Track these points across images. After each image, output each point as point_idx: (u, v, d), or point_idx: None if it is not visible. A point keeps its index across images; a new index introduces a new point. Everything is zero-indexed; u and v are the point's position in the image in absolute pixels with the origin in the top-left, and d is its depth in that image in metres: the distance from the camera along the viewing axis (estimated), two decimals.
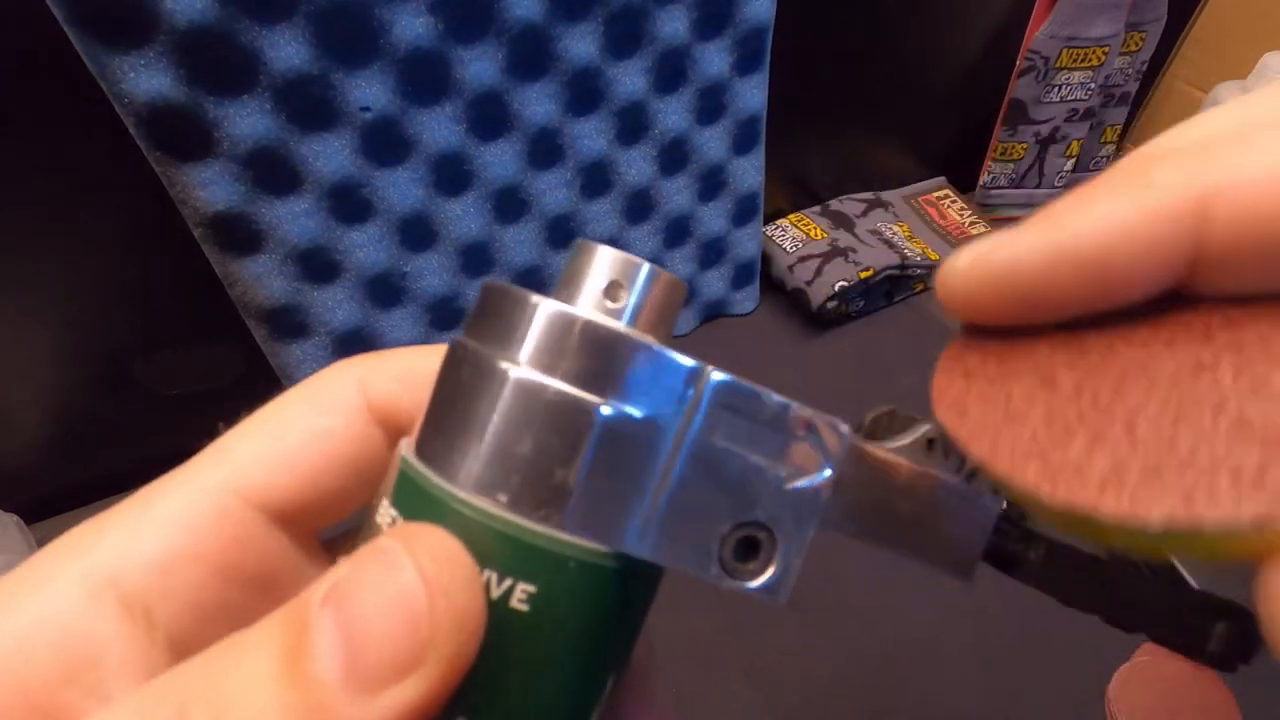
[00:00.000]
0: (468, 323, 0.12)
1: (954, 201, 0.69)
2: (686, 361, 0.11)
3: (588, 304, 0.12)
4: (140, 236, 0.40)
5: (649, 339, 0.11)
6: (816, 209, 0.67)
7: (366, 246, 0.43)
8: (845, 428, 0.13)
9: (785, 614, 0.43)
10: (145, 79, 0.33)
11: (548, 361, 0.11)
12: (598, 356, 0.11)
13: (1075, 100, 0.65)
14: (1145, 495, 0.10)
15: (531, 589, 0.11)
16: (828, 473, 0.12)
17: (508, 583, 0.11)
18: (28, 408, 0.44)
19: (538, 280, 0.51)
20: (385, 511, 0.12)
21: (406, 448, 0.12)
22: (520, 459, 0.11)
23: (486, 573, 0.11)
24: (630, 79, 0.46)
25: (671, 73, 0.47)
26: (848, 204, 0.67)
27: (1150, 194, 0.10)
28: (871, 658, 0.41)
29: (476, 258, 0.48)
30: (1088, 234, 0.11)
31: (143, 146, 0.35)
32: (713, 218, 0.57)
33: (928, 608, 0.43)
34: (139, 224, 0.40)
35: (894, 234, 0.64)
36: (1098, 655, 0.41)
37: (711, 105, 0.50)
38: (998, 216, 0.73)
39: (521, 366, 0.11)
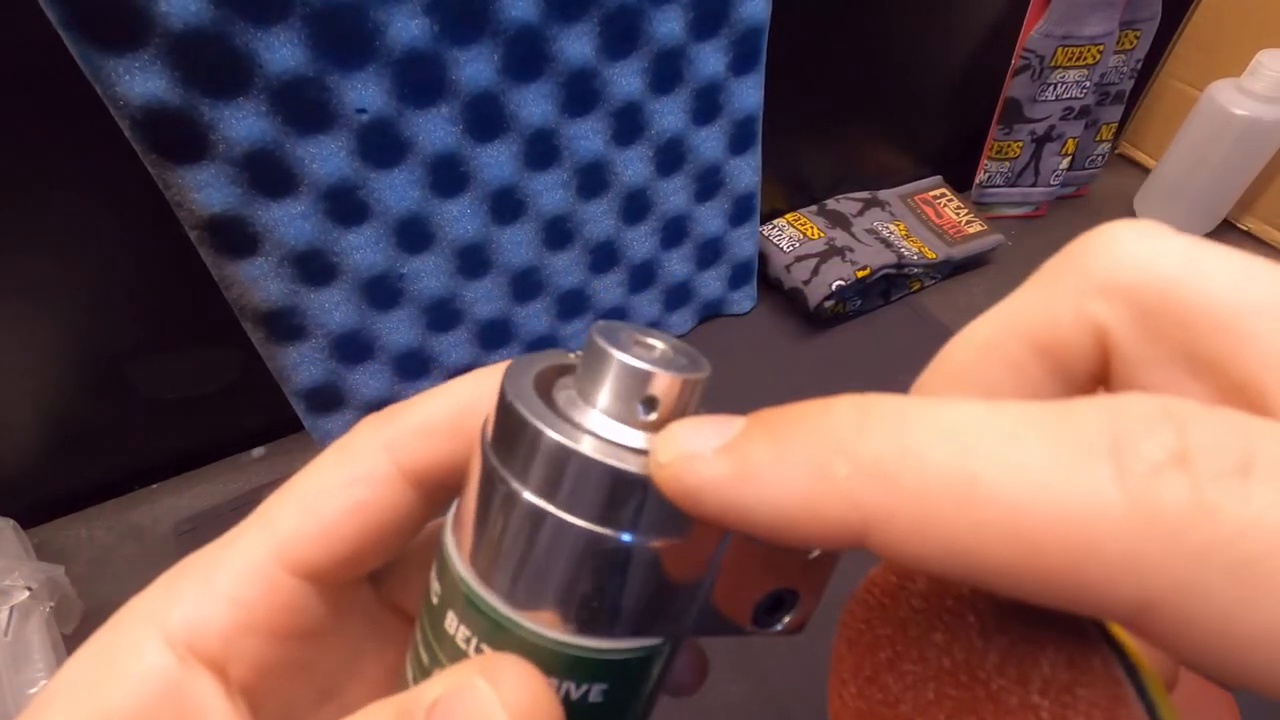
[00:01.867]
0: (497, 439, 0.12)
1: (950, 200, 0.70)
2: None
3: (624, 425, 0.12)
4: (136, 240, 0.40)
5: None
6: (813, 208, 0.67)
7: (363, 248, 0.43)
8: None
9: None
10: (140, 82, 0.33)
11: (599, 513, 0.11)
12: (648, 501, 0.11)
13: (1070, 99, 0.65)
14: None
15: (604, 686, 0.12)
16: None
17: (585, 688, 0.12)
18: (24, 412, 0.43)
19: (535, 281, 0.51)
20: (457, 627, 0.12)
21: (454, 552, 0.13)
22: (583, 595, 0.12)
23: (565, 684, 0.12)
24: (626, 79, 0.46)
25: (667, 73, 0.47)
26: (844, 203, 0.67)
27: (825, 488, 0.10)
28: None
29: (473, 259, 0.48)
30: (756, 503, 0.10)
31: (138, 149, 0.35)
32: (710, 218, 0.57)
33: None
34: (135, 227, 0.40)
35: (891, 233, 0.64)
36: None
37: (708, 105, 0.50)
38: (994, 215, 0.73)
39: (575, 519, 0.11)
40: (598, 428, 0.12)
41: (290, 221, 0.40)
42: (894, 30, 0.59)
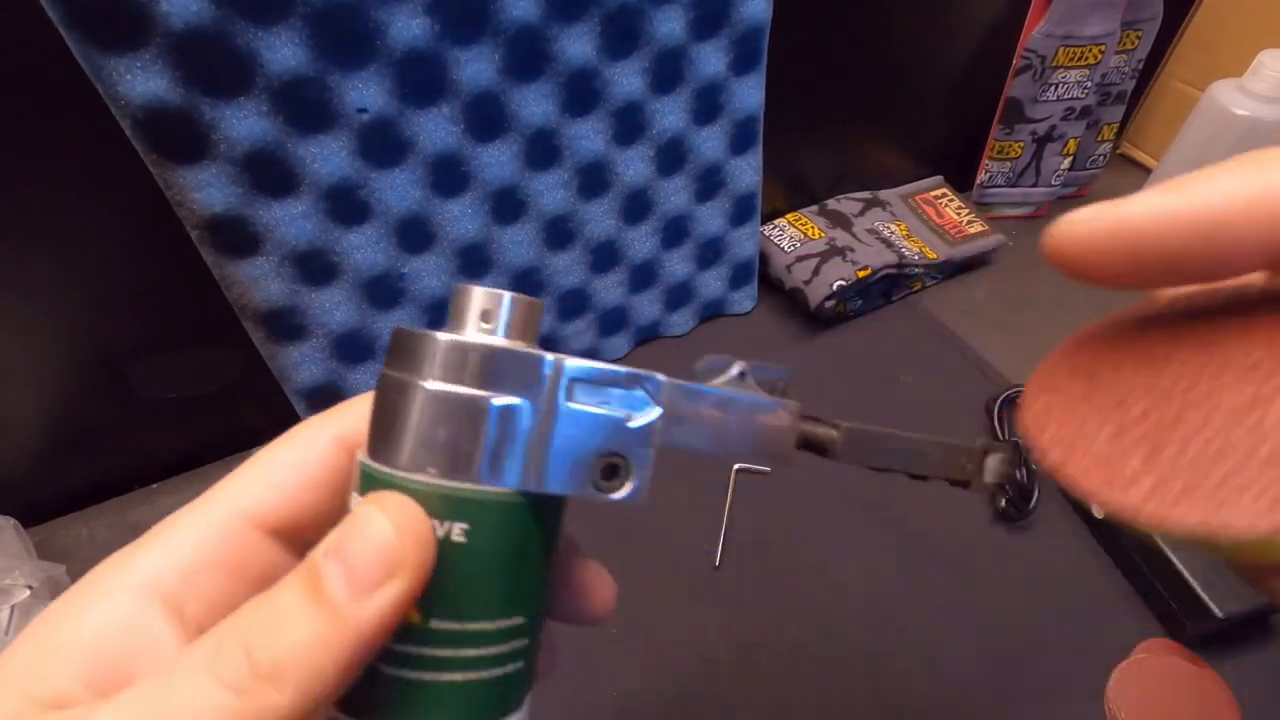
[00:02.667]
0: (387, 359, 0.16)
1: (951, 200, 0.70)
2: (547, 356, 0.16)
3: (470, 330, 0.17)
4: (137, 239, 0.40)
5: (518, 345, 0.16)
6: (814, 208, 0.67)
7: (364, 248, 0.43)
8: (661, 376, 0.17)
9: (785, 615, 0.43)
10: (141, 81, 0.33)
11: (449, 375, 0.15)
12: (482, 365, 0.15)
13: (1072, 99, 0.65)
14: (1181, 508, 0.12)
15: (465, 526, 0.15)
16: (658, 411, 0.17)
17: (448, 525, 0.15)
18: (25, 411, 0.43)
19: (536, 281, 0.51)
20: (354, 499, 0.16)
21: (361, 455, 0.16)
22: (441, 444, 0.15)
23: (432, 522, 0.15)
24: (627, 79, 0.46)
25: (668, 73, 0.47)
26: (845, 203, 0.67)
27: (1272, 174, 0.12)
28: (871, 658, 0.41)
29: (474, 259, 0.48)
30: (1205, 201, 0.12)
31: (139, 149, 0.35)
32: (710, 217, 0.57)
33: (928, 608, 0.43)
34: (136, 227, 0.40)
35: (891, 233, 0.64)
36: (1096, 653, 0.41)
37: (708, 105, 0.50)
38: (995, 215, 0.73)
39: (431, 382, 0.15)
40: (448, 333, 0.16)
41: (291, 221, 0.40)
42: (895, 30, 0.59)
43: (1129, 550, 0.44)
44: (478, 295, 0.17)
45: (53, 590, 0.40)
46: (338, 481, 0.18)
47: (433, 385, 0.15)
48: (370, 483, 0.16)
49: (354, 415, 0.18)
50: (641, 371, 0.17)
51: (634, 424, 0.17)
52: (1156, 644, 0.41)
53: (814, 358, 0.59)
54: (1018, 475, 0.47)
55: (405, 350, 0.16)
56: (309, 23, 0.35)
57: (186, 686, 0.13)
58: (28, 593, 0.39)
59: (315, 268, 0.43)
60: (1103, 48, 0.62)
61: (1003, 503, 0.47)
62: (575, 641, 0.41)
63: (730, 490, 0.49)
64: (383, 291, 0.46)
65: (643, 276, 0.56)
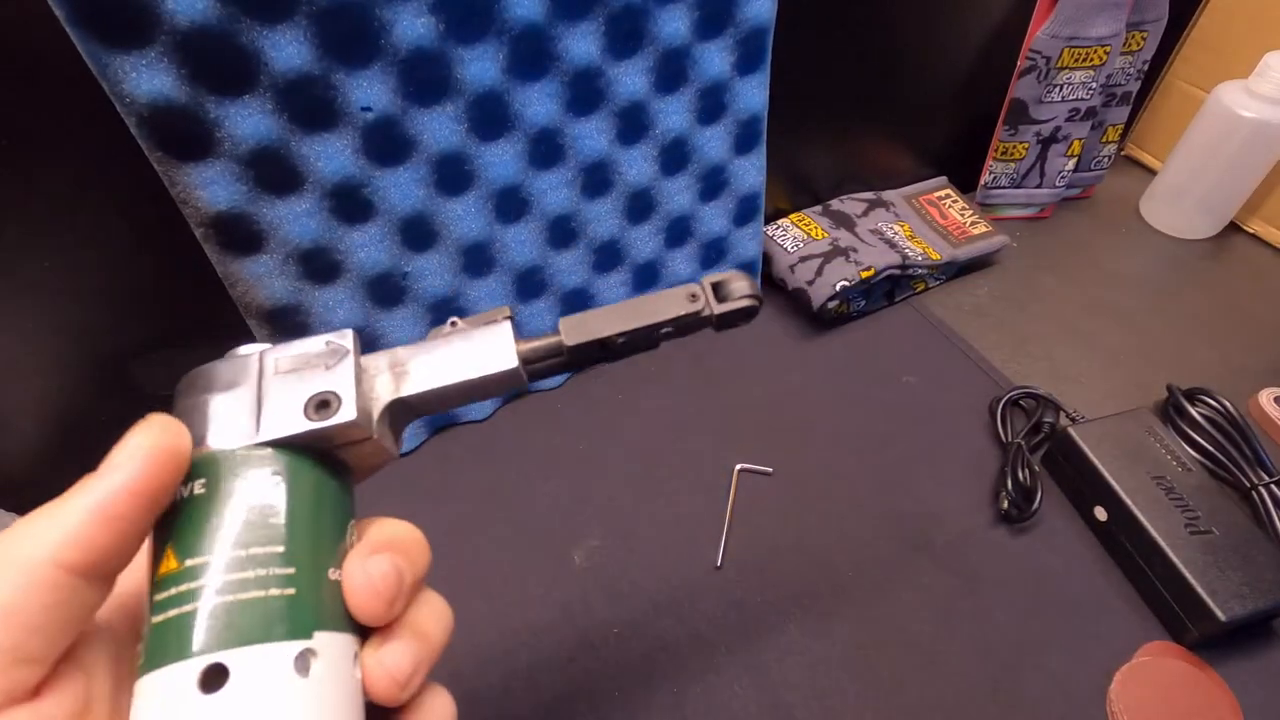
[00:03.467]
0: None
1: (955, 201, 0.69)
2: (246, 352, 0.21)
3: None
4: (141, 237, 0.40)
5: (230, 355, 0.21)
6: (817, 208, 0.67)
7: (367, 246, 0.44)
8: (348, 331, 0.21)
9: (786, 615, 0.43)
10: (146, 79, 0.33)
11: (201, 386, 0.20)
12: (209, 375, 0.20)
13: (1077, 100, 0.65)
14: None
15: (201, 480, 0.18)
16: (347, 357, 0.21)
17: (191, 484, 0.18)
18: (29, 409, 0.44)
19: (539, 280, 0.51)
20: None
21: None
22: (193, 427, 0.19)
23: (185, 485, 0.19)
24: (631, 79, 0.46)
25: (672, 73, 0.47)
26: (849, 203, 0.67)
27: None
28: (871, 658, 0.41)
29: (477, 258, 0.48)
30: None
31: (144, 147, 0.35)
32: (714, 217, 0.57)
33: (930, 609, 0.43)
34: (140, 224, 0.40)
35: (895, 233, 0.64)
36: (1098, 656, 0.41)
37: (712, 105, 0.50)
38: (999, 216, 0.73)
39: (197, 395, 0.20)
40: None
41: (295, 219, 0.40)
42: (899, 30, 0.59)
43: (1131, 552, 0.44)
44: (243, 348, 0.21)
45: None
46: (134, 516, 0.18)
47: (198, 397, 0.20)
48: None
49: (72, 537, 0.18)
50: (334, 334, 0.21)
51: (333, 368, 0.20)
52: (1158, 646, 0.41)
53: (817, 358, 0.59)
54: (1020, 476, 0.47)
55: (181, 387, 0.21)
56: (314, 21, 0.35)
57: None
58: None
59: (319, 266, 0.43)
60: (1108, 49, 0.62)
61: (1006, 504, 0.46)
62: (576, 641, 0.42)
63: (732, 491, 0.49)
64: (386, 290, 0.46)
65: (646, 276, 0.56)
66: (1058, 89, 0.64)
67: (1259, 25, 0.66)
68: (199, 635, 0.17)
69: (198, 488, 0.18)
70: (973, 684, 0.40)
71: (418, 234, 0.45)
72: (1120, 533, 0.44)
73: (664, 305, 0.23)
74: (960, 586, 0.44)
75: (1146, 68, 0.67)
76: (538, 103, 0.44)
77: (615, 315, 0.23)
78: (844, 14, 0.55)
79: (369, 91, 0.39)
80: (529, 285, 0.51)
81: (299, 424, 0.19)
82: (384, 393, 0.21)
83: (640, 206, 0.52)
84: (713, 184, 0.55)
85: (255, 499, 0.19)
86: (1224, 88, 0.63)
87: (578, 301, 0.54)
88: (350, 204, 0.42)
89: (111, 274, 0.41)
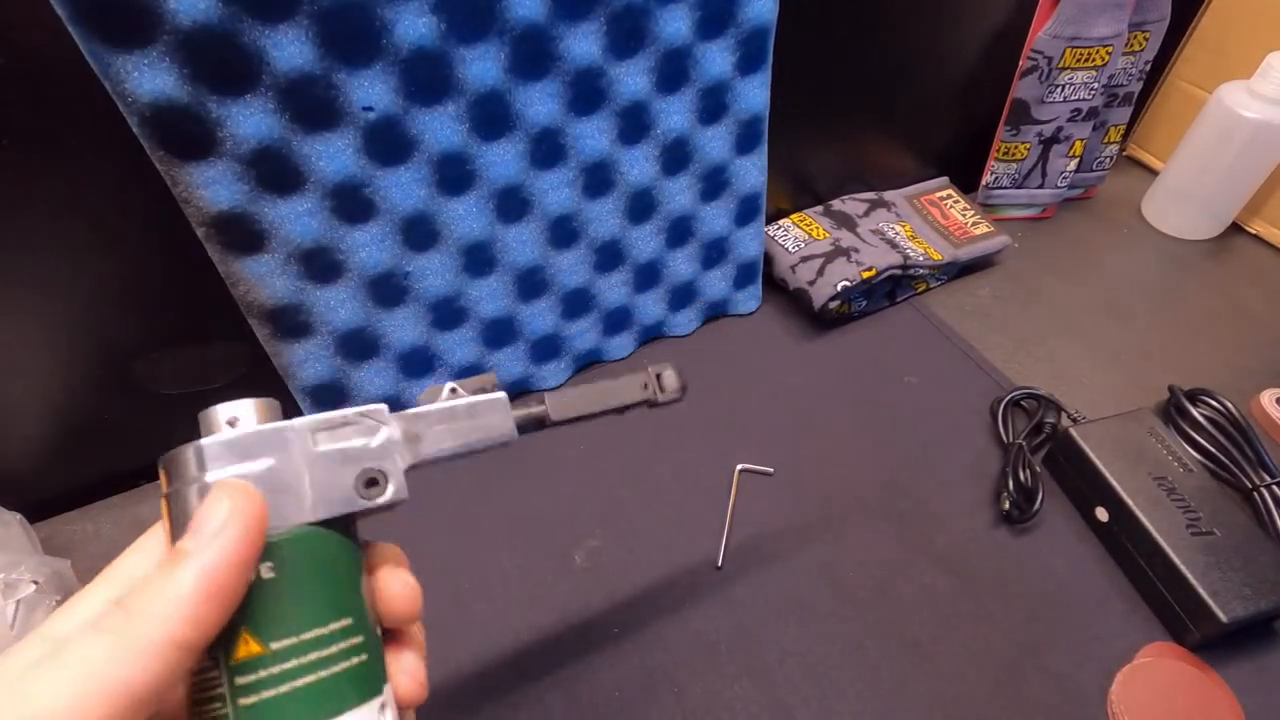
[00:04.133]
0: (168, 478, 0.21)
1: (957, 201, 0.69)
2: (279, 425, 0.20)
3: (219, 434, 0.20)
4: (143, 236, 0.41)
5: (256, 428, 0.20)
6: (819, 209, 0.66)
7: (369, 246, 0.44)
8: (382, 405, 0.22)
9: (786, 615, 0.43)
10: (149, 79, 0.33)
11: (216, 464, 0.19)
12: (236, 448, 0.20)
13: (1078, 100, 0.65)
14: None
15: (270, 564, 0.19)
16: (389, 429, 0.22)
17: (258, 568, 0.18)
18: (32, 407, 0.44)
19: (540, 279, 0.51)
20: None
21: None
22: None
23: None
24: (632, 79, 0.46)
25: (673, 72, 0.47)
26: (850, 204, 0.67)
27: None
28: (872, 658, 0.41)
29: (478, 257, 0.48)
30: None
31: (146, 146, 0.35)
32: (715, 217, 0.57)
33: (931, 609, 0.43)
34: (142, 224, 0.40)
35: (896, 234, 0.64)
36: (1099, 656, 0.41)
37: (714, 105, 0.50)
38: (1000, 216, 0.73)
39: (209, 474, 0.19)
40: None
41: (296, 219, 0.40)
42: (901, 30, 0.59)
43: (1133, 553, 0.44)
44: (221, 409, 0.20)
45: (58, 585, 0.40)
46: (235, 590, 0.18)
47: (210, 476, 0.19)
48: None
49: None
50: (368, 407, 0.21)
51: (375, 444, 0.21)
52: (1159, 647, 0.41)
53: (818, 358, 0.59)
54: (1021, 477, 0.47)
55: (179, 462, 0.20)
56: (315, 21, 0.35)
57: (84, 651, 0.15)
58: (33, 588, 0.39)
59: (320, 265, 0.43)
60: (1110, 49, 0.62)
61: (1007, 505, 0.46)
62: (576, 642, 0.42)
63: (733, 491, 0.49)
64: (387, 289, 0.46)
65: (647, 276, 0.56)
66: (1059, 89, 0.64)
67: (1261, 26, 0.66)
68: (301, 712, 0.18)
69: (265, 571, 0.19)
70: (973, 684, 0.40)
71: (419, 234, 0.45)
72: (1121, 533, 0.44)
73: (626, 392, 0.27)
74: (961, 587, 0.44)
75: (1148, 68, 0.67)
76: (539, 102, 0.44)
77: (590, 396, 0.27)
78: (845, 14, 0.55)
79: (370, 91, 0.39)
80: (530, 285, 0.51)
81: (352, 503, 0.20)
82: (402, 462, 0.22)
83: (641, 206, 0.52)
84: (714, 184, 0.55)
85: (322, 578, 0.20)
86: (1226, 88, 0.63)
87: (579, 301, 0.54)
88: (351, 204, 0.42)
89: (113, 273, 0.41)
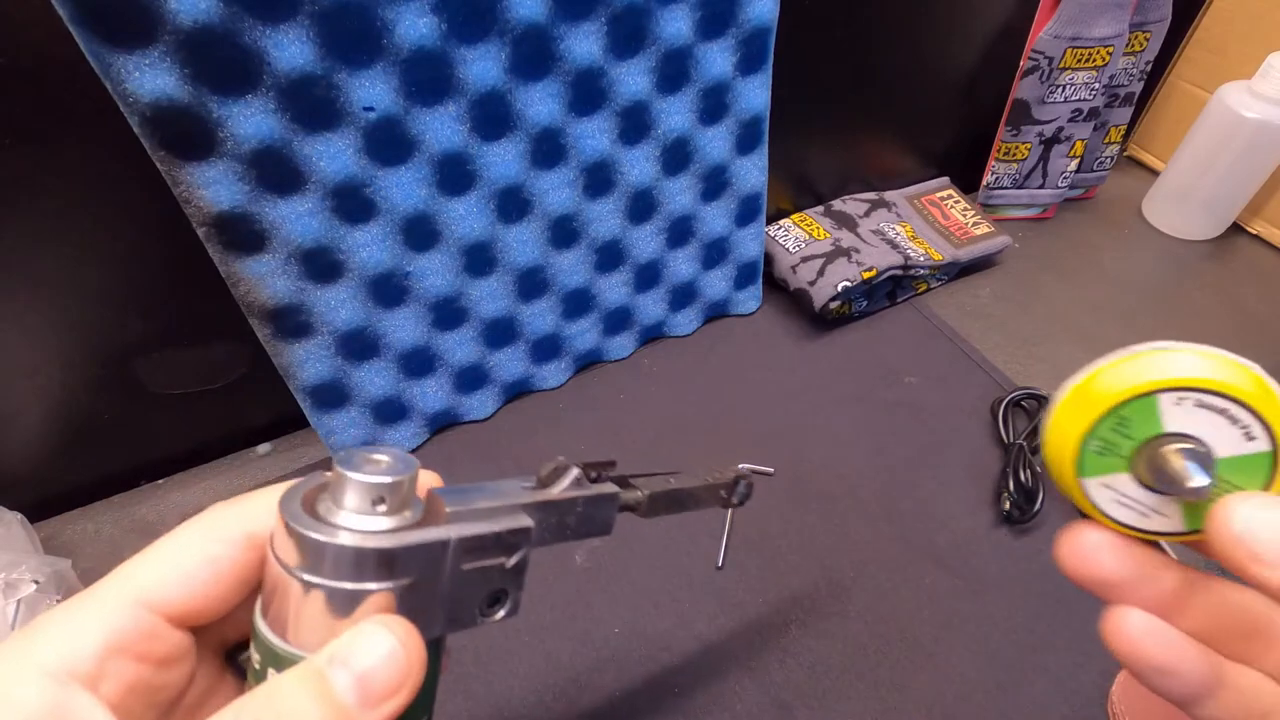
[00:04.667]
0: (284, 544, 0.17)
1: (957, 201, 0.69)
2: (435, 537, 0.18)
3: (363, 518, 0.17)
4: (144, 236, 0.41)
5: (410, 533, 0.17)
6: (819, 209, 0.66)
7: (369, 246, 0.44)
8: (529, 523, 0.20)
9: (787, 616, 0.43)
10: (149, 79, 0.33)
11: (349, 575, 0.17)
12: (383, 562, 0.17)
13: (1079, 100, 0.65)
14: None
15: None
16: (523, 551, 0.20)
17: None
18: (32, 407, 0.44)
19: (540, 279, 0.51)
20: (255, 659, 0.18)
21: (262, 623, 0.18)
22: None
23: None
24: (633, 79, 0.46)
25: (674, 73, 0.47)
26: (850, 204, 0.67)
27: None
28: (874, 659, 0.41)
29: (479, 257, 0.48)
30: None
31: (147, 146, 0.35)
32: (715, 218, 0.57)
33: (931, 609, 0.43)
34: (143, 224, 0.40)
35: (897, 234, 0.64)
36: (1100, 657, 0.41)
37: (714, 105, 0.50)
38: (1001, 216, 0.73)
39: (335, 582, 0.17)
40: (344, 523, 0.17)
41: (297, 219, 0.40)
42: (902, 31, 0.59)
43: None
44: (367, 486, 0.17)
45: (58, 585, 0.40)
46: (245, 577, 0.19)
47: (337, 584, 0.17)
48: (279, 661, 0.17)
49: (262, 510, 0.19)
50: (516, 524, 0.20)
51: (510, 565, 0.20)
52: None
53: (818, 359, 0.59)
54: (1022, 477, 0.47)
55: (309, 548, 0.17)
56: (316, 21, 0.35)
57: None
58: (34, 587, 0.39)
59: (321, 265, 0.43)
60: (1111, 49, 0.62)
61: (1007, 505, 0.46)
62: (577, 643, 0.42)
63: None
64: (388, 289, 0.46)
65: (647, 276, 0.56)
66: (1060, 89, 0.64)
67: (1262, 26, 0.66)
68: None
69: None
70: (974, 685, 0.40)
71: (420, 234, 0.45)
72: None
73: (709, 499, 0.29)
74: (962, 587, 0.44)
75: (1149, 68, 0.67)
76: (540, 103, 0.44)
77: (679, 502, 0.27)
78: (846, 14, 0.55)
79: (371, 91, 0.39)
80: (531, 285, 0.51)
81: (471, 620, 0.20)
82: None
83: (642, 207, 0.52)
84: (715, 184, 0.55)
85: (423, 690, 0.18)
86: (1227, 88, 0.63)
87: (580, 301, 0.54)
88: (352, 204, 0.42)
89: (114, 273, 0.41)
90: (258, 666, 0.18)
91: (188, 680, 0.19)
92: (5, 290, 0.39)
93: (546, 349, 0.55)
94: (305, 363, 0.46)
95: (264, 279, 0.41)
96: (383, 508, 0.17)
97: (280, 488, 0.18)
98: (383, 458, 0.18)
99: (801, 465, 0.50)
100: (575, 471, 0.23)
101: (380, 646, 0.16)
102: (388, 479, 0.17)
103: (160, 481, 0.50)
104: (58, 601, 0.39)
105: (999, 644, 0.42)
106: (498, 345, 0.53)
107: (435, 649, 0.19)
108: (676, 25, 0.45)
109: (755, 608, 0.43)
